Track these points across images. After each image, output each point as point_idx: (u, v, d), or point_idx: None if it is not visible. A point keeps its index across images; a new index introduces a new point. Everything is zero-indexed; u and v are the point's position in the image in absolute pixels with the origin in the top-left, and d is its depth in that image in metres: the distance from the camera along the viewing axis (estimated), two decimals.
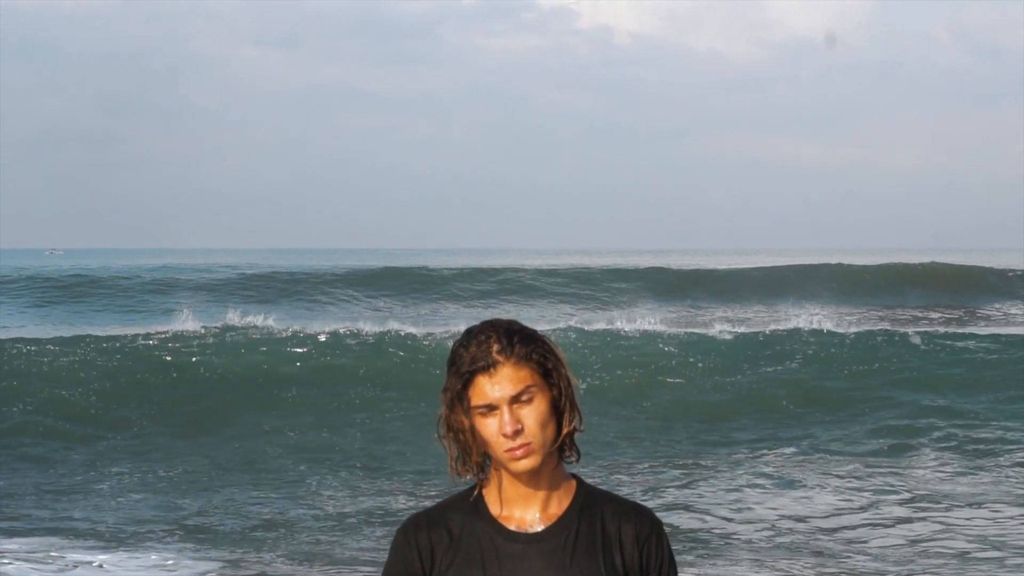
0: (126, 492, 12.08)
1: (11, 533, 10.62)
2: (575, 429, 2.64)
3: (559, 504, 2.66)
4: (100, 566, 9.49)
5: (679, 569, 2.74)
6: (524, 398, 2.57)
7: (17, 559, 9.54)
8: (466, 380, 2.58)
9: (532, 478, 2.62)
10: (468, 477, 2.66)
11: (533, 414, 2.57)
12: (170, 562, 9.65)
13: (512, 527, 2.63)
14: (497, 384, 2.56)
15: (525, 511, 2.64)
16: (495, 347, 2.57)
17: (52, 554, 9.89)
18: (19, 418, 14.10)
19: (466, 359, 2.59)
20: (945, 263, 37.67)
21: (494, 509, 2.65)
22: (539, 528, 2.63)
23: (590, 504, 2.67)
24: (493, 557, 2.61)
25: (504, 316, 2.80)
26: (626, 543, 2.63)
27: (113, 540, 10.44)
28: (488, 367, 2.56)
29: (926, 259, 38.58)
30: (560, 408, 2.61)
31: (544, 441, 2.58)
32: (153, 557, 9.76)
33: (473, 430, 2.60)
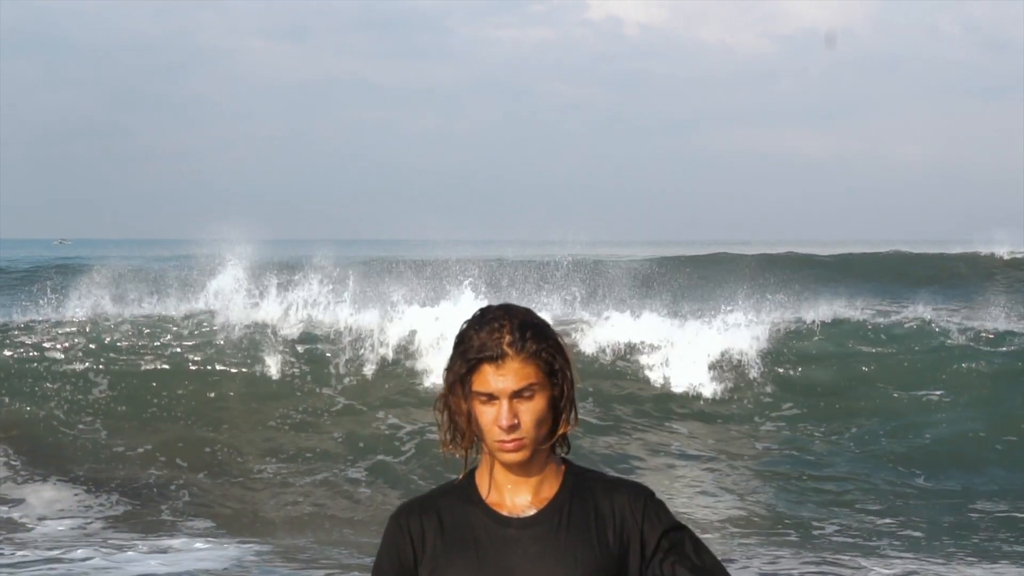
0: (163, 482, 12.21)
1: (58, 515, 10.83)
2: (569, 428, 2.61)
3: (550, 488, 2.62)
4: (165, 551, 9.72)
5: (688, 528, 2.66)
6: (525, 394, 2.52)
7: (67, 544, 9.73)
8: (472, 365, 2.53)
9: (522, 467, 2.59)
10: (458, 455, 2.62)
11: (531, 411, 2.53)
12: (210, 547, 9.87)
13: (504, 512, 2.59)
14: (502, 376, 2.51)
15: (517, 496, 2.60)
16: (507, 339, 2.52)
17: (110, 540, 10.09)
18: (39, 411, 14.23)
19: (475, 344, 2.53)
20: None
21: (486, 495, 2.61)
22: (531, 512, 2.59)
23: (580, 485, 2.62)
24: (486, 542, 2.57)
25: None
26: (625, 517, 2.59)
27: (148, 526, 10.73)
28: (496, 358, 2.51)
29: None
30: (559, 407, 2.57)
31: (537, 438, 2.55)
32: (199, 544, 9.98)
33: (471, 415, 2.56)
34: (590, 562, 2.55)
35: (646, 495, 2.62)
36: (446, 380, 2.59)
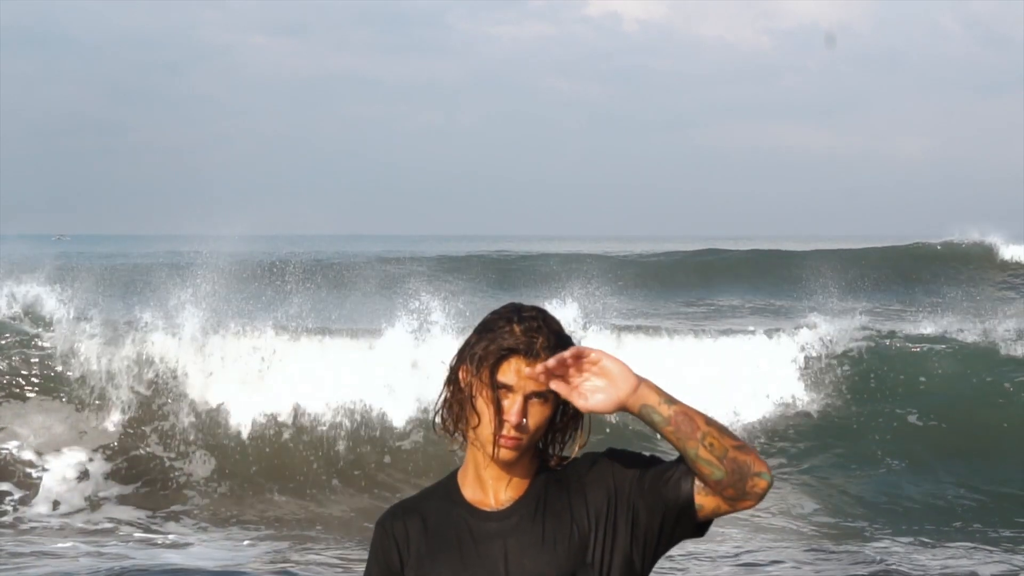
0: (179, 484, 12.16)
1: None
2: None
3: (529, 481, 2.63)
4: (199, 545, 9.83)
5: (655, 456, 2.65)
6: (540, 399, 2.53)
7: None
8: (505, 355, 2.51)
9: (507, 465, 2.60)
10: (455, 437, 2.62)
11: (539, 416, 2.54)
12: (214, 545, 9.93)
13: (486, 509, 2.61)
14: (529, 375, 2.50)
15: (499, 493, 2.61)
16: (541, 340, 2.51)
17: (147, 536, 10.14)
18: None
19: (510, 336, 2.51)
20: None
21: (467, 493, 2.63)
22: (509, 505, 2.61)
23: (555, 472, 2.63)
24: (469, 539, 2.58)
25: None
26: (595, 482, 2.60)
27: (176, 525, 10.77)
28: (530, 354, 2.50)
29: None
30: (555, 422, 2.60)
31: (530, 443, 2.56)
32: (205, 538, 10.09)
33: (499, 401, 2.52)
34: (568, 544, 2.56)
35: (607, 451, 2.65)
36: (471, 361, 2.55)
